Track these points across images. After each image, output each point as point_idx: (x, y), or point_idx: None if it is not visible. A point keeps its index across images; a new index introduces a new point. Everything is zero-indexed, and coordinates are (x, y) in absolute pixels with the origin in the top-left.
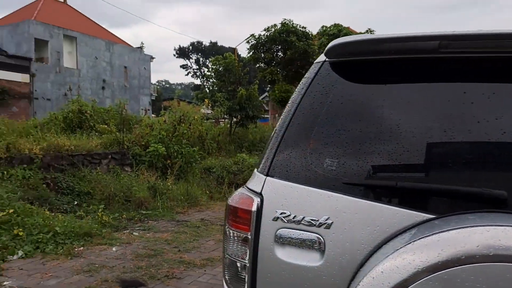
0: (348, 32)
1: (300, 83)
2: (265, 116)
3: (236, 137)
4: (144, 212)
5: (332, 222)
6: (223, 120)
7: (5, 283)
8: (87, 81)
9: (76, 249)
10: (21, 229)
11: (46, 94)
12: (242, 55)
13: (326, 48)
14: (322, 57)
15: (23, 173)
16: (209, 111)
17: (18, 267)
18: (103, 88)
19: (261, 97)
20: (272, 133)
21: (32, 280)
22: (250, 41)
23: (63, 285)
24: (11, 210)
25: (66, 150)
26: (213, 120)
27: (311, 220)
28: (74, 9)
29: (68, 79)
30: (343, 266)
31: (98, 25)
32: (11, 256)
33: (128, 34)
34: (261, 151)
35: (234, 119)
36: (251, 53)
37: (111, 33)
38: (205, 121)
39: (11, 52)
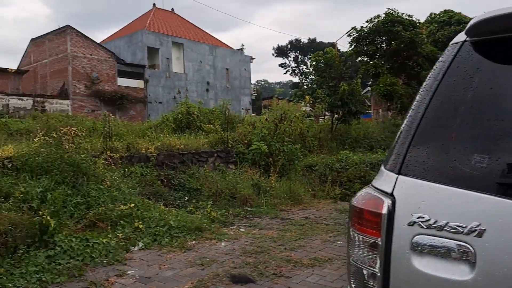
0: (461, 17)
1: (434, 68)
2: (368, 111)
3: (338, 134)
4: (249, 209)
5: (484, 230)
6: (323, 117)
7: (128, 272)
8: (193, 84)
9: (188, 243)
10: (141, 222)
11: (158, 98)
12: (342, 50)
13: (467, 26)
14: (461, 37)
15: (141, 171)
16: (309, 108)
17: (139, 258)
18: (207, 90)
19: (363, 91)
20: (402, 125)
21: (151, 271)
22: (351, 34)
23: (179, 277)
24: (132, 205)
25: (177, 149)
26: (313, 117)
27: (457, 226)
28: (180, 17)
29: (177, 83)
30: (501, 282)
31: (202, 30)
32: (133, 247)
33: (229, 37)
34: (365, 148)
35: (336, 116)
36: (352, 46)
37: (214, 37)
38: (305, 118)
39: (127, 60)
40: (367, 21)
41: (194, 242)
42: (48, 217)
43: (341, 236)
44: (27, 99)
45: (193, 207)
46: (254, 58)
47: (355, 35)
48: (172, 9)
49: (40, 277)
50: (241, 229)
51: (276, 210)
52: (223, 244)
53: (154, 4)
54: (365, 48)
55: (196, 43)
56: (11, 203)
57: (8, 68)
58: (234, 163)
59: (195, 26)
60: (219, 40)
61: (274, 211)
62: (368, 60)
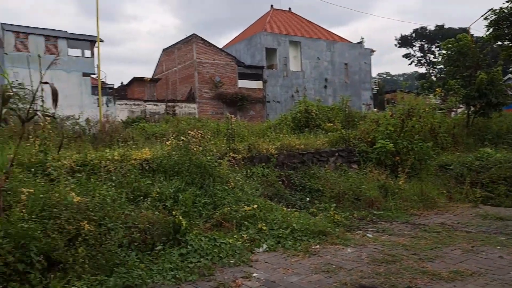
0: None
1: None
2: (511, 102)
3: (475, 129)
4: (375, 212)
5: None
6: (455, 110)
7: (254, 274)
8: (311, 82)
9: (312, 247)
10: (264, 224)
11: (276, 97)
12: (476, 35)
13: None
14: None
15: (262, 171)
16: (438, 101)
17: (264, 260)
18: (325, 87)
19: (504, 79)
20: None
21: (276, 275)
22: (488, 17)
23: (304, 283)
24: (255, 206)
25: (296, 149)
26: (445, 111)
27: None
28: (297, 15)
29: (294, 82)
30: None
31: (320, 27)
32: (257, 249)
33: (348, 31)
34: (510, 144)
35: (472, 108)
36: (490, 30)
37: (332, 33)
38: (436, 112)
39: (247, 63)
40: (508, 1)
41: (318, 246)
42: (180, 217)
43: (486, 246)
44: (160, 104)
45: (315, 209)
46: (374, 51)
47: (493, 18)
48: (289, 8)
49: (174, 275)
50: (368, 235)
51: (406, 214)
52: (349, 250)
53: (271, 6)
54: (506, 31)
55: (313, 40)
56: (148, 202)
57: (144, 77)
58: (357, 162)
59: (312, 23)
60: (337, 35)
61: (404, 215)
62: (510, 44)
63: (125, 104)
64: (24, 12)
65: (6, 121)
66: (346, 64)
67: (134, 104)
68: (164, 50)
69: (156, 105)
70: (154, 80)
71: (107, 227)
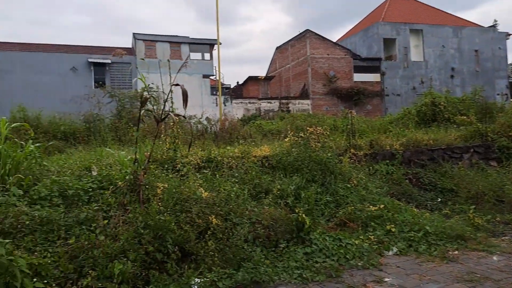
0: None
1: None
2: None
3: None
4: None
5: None
6: None
7: (385, 279)
8: (435, 72)
9: (450, 253)
10: (392, 225)
11: (396, 90)
12: None
13: None
14: None
15: (386, 169)
16: None
17: (395, 264)
18: (451, 76)
19: None
20: None
21: (410, 281)
22: None
23: None
24: (382, 205)
25: (424, 144)
26: None
27: None
28: (418, 1)
29: (416, 72)
30: None
31: (444, 12)
32: (387, 252)
33: (477, 15)
34: None
35: None
36: None
37: (458, 18)
38: None
39: (363, 55)
40: None
41: (456, 252)
42: (303, 214)
43: None
44: (274, 102)
45: (448, 211)
46: (510, 34)
47: None
48: None
49: (300, 273)
50: None
51: None
52: (495, 258)
53: None
54: None
55: (437, 27)
56: (270, 199)
57: (259, 76)
58: (497, 159)
59: (435, 8)
60: (465, 20)
61: None
62: None
63: (241, 102)
64: (150, 21)
65: (143, 121)
66: (476, 51)
67: (249, 102)
68: (277, 48)
69: (270, 102)
70: (268, 78)
71: (233, 222)
